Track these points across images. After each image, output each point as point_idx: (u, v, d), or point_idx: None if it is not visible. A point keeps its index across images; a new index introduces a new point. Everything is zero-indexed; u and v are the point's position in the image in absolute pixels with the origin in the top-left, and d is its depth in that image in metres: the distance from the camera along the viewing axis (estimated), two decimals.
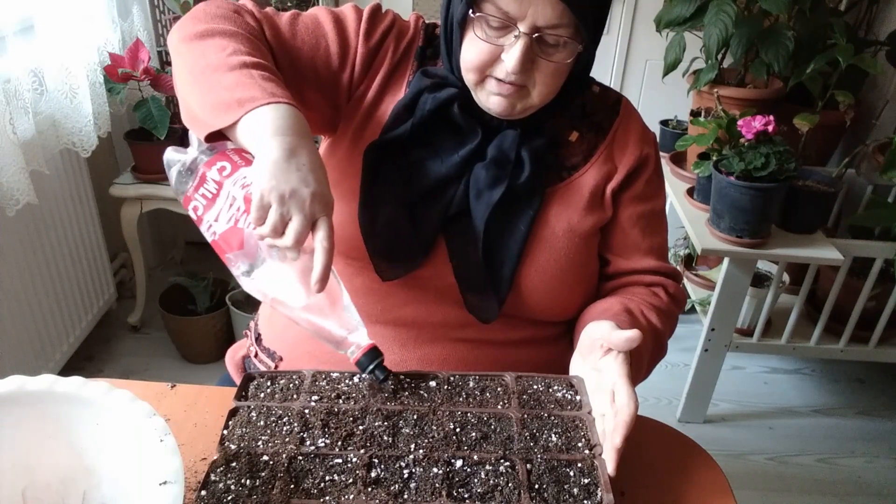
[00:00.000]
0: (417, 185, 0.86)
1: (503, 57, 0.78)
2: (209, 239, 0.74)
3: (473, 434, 0.70)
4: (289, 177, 0.67)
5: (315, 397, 0.74)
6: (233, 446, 0.68)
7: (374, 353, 0.73)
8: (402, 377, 0.78)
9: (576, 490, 0.64)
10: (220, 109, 0.72)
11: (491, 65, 0.80)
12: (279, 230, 0.67)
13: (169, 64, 1.83)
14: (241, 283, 0.73)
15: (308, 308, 0.72)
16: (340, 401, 0.74)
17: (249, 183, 0.70)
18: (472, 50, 0.80)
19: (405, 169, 0.86)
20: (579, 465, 0.67)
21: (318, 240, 0.68)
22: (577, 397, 0.76)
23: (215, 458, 0.66)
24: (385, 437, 0.69)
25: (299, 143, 0.69)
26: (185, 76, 0.78)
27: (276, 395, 0.75)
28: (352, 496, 0.63)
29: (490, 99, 0.82)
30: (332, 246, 0.68)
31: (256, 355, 0.99)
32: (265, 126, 0.69)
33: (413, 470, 0.66)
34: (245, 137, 0.71)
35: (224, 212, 0.72)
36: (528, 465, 0.66)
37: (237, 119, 0.71)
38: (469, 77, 0.82)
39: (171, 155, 0.77)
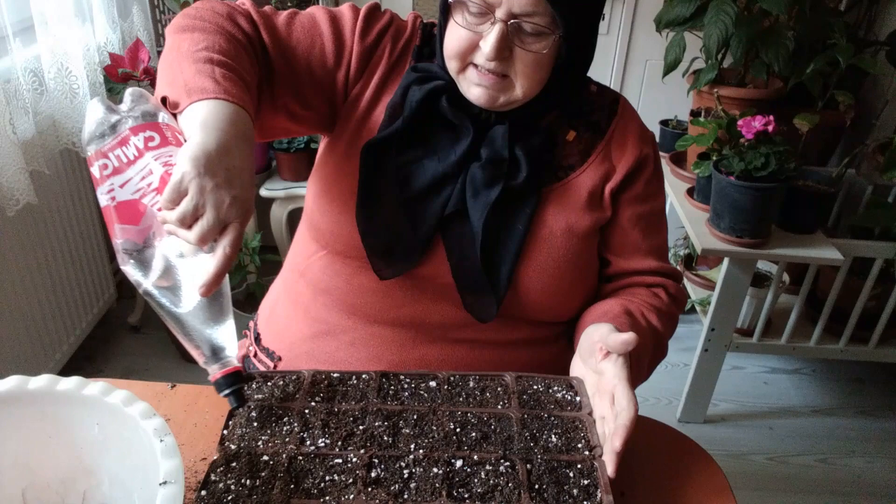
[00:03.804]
0: (414, 183, 0.86)
1: (481, 44, 0.79)
2: (103, 203, 0.68)
3: (473, 434, 0.70)
4: (216, 172, 0.64)
5: (315, 397, 0.74)
6: (233, 446, 0.68)
7: (234, 378, 0.69)
8: (402, 377, 0.78)
9: (575, 491, 0.64)
10: (174, 95, 0.72)
11: (470, 52, 0.80)
12: (187, 222, 0.63)
13: None
14: (119, 261, 0.68)
15: (185, 311, 0.67)
16: (341, 401, 0.74)
17: (174, 163, 0.66)
18: (453, 36, 0.81)
19: (402, 168, 0.86)
20: (579, 466, 0.67)
21: (223, 244, 0.65)
22: (577, 398, 0.76)
23: (215, 458, 0.66)
24: (385, 437, 0.69)
25: (235, 144, 0.68)
26: (160, 64, 0.80)
27: (276, 395, 0.75)
28: (352, 496, 0.63)
29: (472, 89, 0.83)
30: (235, 255, 0.65)
31: (256, 355, 1.00)
32: (207, 118, 0.68)
33: (413, 470, 0.66)
34: (186, 125, 0.70)
35: (133, 181, 0.67)
36: (528, 466, 0.66)
37: (185, 106, 0.70)
38: (451, 65, 0.83)
39: (98, 106, 0.70)
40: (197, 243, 0.64)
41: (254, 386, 0.76)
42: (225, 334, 0.69)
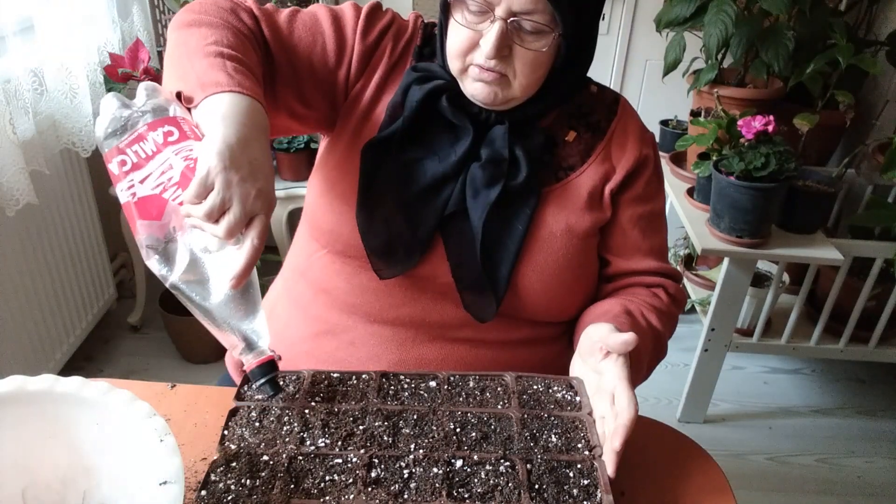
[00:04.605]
0: (414, 183, 0.86)
1: (481, 42, 0.79)
2: (123, 199, 0.68)
3: (473, 434, 0.70)
4: (240, 165, 0.65)
5: (315, 397, 0.74)
6: (233, 446, 0.68)
7: (269, 367, 0.70)
8: (402, 377, 0.78)
9: (575, 491, 0.64)
10: (186, 90, 0.72)
11: (471, 50, 0.81)
12: (214, 216, 0.64)
13: None
14: (143, 257, 0.68)
15: (215, 303, 0.67)
16: (341, 401, 0.74)
17: (195, 157, 0.66)
18: (454, 36, 0.81)
19: (402, 168, 0.86)
20: (579, 465, 0.67)
21: (250, 236, 0.65)
22: (577, 398, 0.76)
23: (215, 458, 0.67)
24: (385, 437, 0.69)
25: (255, 137, 0.68)
26: (166, 60, 0.79)
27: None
28: (352, 496, 0.63)
29: (473, 86, 0.83)
30: (262, 246, 0.66)
31: None
32: (224, 111, 0.68)
33: (413, 470, 0.66)
34: (201, 119, 0.70)
35: (154, 176, 0.67)
36: (528, 466, 0.66)
37: (200, 100, 0.70)
38: (453, 65, 0.83)
39: (113, 101, 0.70)
40: (225, 237, 0.65)
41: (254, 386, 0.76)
42: (257, 324, 0.69)
